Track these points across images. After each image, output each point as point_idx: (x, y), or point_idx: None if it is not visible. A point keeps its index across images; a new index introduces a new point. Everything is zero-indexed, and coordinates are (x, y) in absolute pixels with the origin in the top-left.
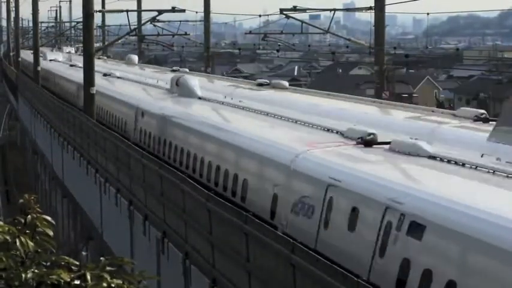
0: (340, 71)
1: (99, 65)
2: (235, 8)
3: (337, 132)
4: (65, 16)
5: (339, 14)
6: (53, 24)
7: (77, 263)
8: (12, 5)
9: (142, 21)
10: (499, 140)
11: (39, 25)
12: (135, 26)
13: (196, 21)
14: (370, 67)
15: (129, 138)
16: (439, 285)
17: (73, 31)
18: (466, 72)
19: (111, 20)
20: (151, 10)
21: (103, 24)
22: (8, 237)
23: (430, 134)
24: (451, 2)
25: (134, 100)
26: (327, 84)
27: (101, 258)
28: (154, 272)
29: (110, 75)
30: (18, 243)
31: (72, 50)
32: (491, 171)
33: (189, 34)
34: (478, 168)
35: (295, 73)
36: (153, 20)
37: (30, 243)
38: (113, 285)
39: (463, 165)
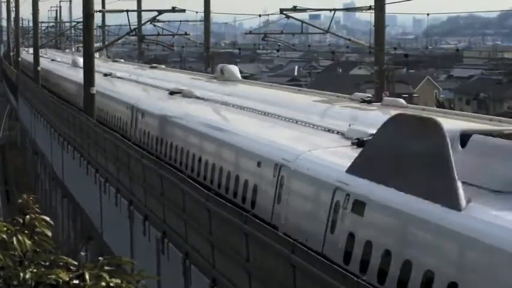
0: (340, 71)
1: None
2: (235, 8)
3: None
4: (65, 16)
5: (339, 14)
6: (53, 24)
7: (76, 262)
8: (12, 5)
9: (142, 21)
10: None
11: (39, 25)
12: (135, 26)
13: (196, 21)
14: (370, 67)
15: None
16: None
17: (73, 31)
18: (466, 72)
19: (111, 20)
20: (151, 10)
21: (103, 24)
22: (5, 236)
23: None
24: (451, 2)
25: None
26: (327, 84)
27: (100, 258)
28: (154, 272)
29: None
30: (15, 242)
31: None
32: None
33: (189, 34)
34: None
35: (295, 73)
36: (153, 20)
37: (28, 242)
38: (111, 284)
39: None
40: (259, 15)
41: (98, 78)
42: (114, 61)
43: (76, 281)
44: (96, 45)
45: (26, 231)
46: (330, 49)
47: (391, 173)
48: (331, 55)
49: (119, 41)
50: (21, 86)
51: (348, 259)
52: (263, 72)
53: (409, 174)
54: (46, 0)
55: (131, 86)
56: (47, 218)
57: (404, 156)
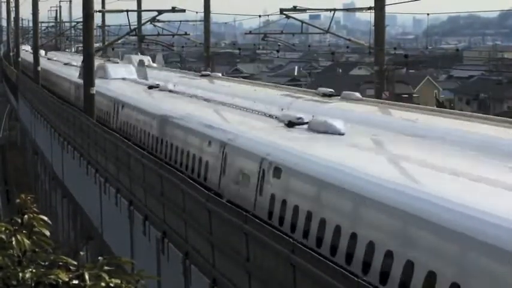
0: (340, 71)
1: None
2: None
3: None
4: (65, 16)
5: (339, 14)
6: (53, 24)
7: (75, 262)
8: (12, 5)
9: (142, 21)
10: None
11: (39, 25)
12: (135, 26)
13: (196, 21)
14: (370, 67)
15: None
16: None
17: (73, 31)
18: (466, 72)
19: (111, 20)
20: (151, 10)
21: (103, 24)
22: (3, 236)
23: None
24: (451, 2)
25: None
26: (326, 84)
27: (99, 257)
28: (155, 272)
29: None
30: (14, 242)
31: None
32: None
33: (189, 34)
34: None
35: (295, 73)
36: (153, 20)
37: (27, 241)
38: (111, 284)
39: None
40: (259, 15)
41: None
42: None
43: (76, 281)
44: (96, 45)
45: (24, 231)
46: (330, 49)
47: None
48: (331, 55)
49: (119, 41)
50: (21, 86)
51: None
52: (263, 72)
53: None
54: (46, 0)
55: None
56: (45, 218)
57: None
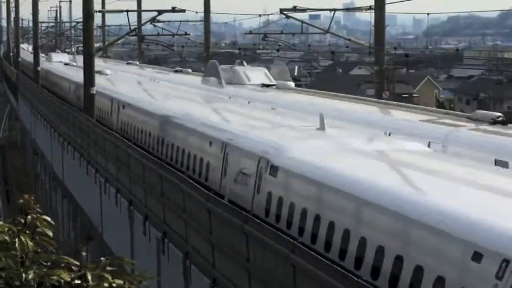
0: (340, 71)
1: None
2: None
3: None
4: (65, 16)
5: (339, 14)
6: (53, 24)
7: (78, 263)
8: (12, 5)
9: (142, 21)
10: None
11: (39, 25)
12: (135, 26)
13: (196, 21)
14: (370, 67)
15: None
16: None
17: (73, 31)
18: (466, 72)
19: (111, 20)
20: (151, 10)
21: (103, 24)
22: (6, 237)
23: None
24: (451, 2)
25: None
26: (327, 84)
27: (102, 258)
28: (155, 272)
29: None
30: (17, 243)
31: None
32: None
33: (189, 34)
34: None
35: (295, 73)
36: (153, 20)
37: (30, 243)
38: (114, 285)
39: None
40: (259, 15)
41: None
42: (128, 63)
43: (78, 282)
44: (96, 45)
45: (27, 232)
46: (330, 49)
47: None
48: (331, 55)
49: (119, 41)
50: (21, 86)
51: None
52: None
53: None
54: (46, 0)
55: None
56: (48, 218)
57: None
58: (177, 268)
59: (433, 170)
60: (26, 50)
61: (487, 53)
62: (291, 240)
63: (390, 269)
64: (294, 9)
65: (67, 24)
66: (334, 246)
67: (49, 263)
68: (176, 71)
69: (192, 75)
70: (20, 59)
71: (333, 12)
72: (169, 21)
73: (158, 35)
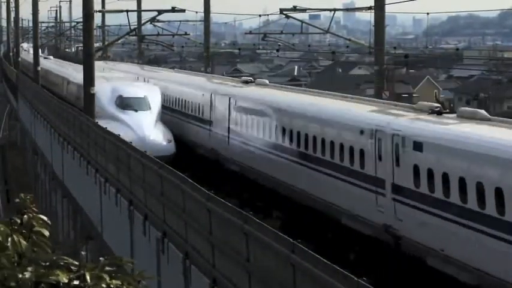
0: (340, 70)
1: None
2: (235, 8)
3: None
4: (65, 16)
5: (339, 14)
6: (53, 24)
7: (76, 263)
8: (12, 5)
9: (142, 21)
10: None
11: (39, 25)
12: (135, 26)
13: (196, 21)
14: (370, 67)
15: None
16: None
17: (73, 31)
18: (466, 72)
19: (111, 20)
20: (151, 10)
21: (103, 24)
22: (0, 238)
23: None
24: (451, 2)
25: None
26: (326, 84)
27: (100, 258)
28: (154, 272)
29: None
30: (10, 243)
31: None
32: None
33: (189, 34)
34: None
35: (295, 73)
36: (153, 20)
37: (23, 243)
38: (112, 286)
39: None
40: (259, 15)
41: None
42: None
43: (76, 282)
44: (96, 45)
45: (23, 231)
46: (330, 49)
47: None
48: (331, 55)
49: (119, 41)
50: (21, 86)
51: None
52: (263, 72)
53: None
54: (46, 0)
55: None
56: (45, 218)
57: None
58: (177, 268)
59: None
60: (27, 51)
61: (487, 53)
62: (291, 240)
63: None
64: (294, 9)
65: (67, 24)
66: None
67: (47, 263)
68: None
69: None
70: (20, 59)
71: (333, 12)
72: (169, 21)
73: (158, 35)
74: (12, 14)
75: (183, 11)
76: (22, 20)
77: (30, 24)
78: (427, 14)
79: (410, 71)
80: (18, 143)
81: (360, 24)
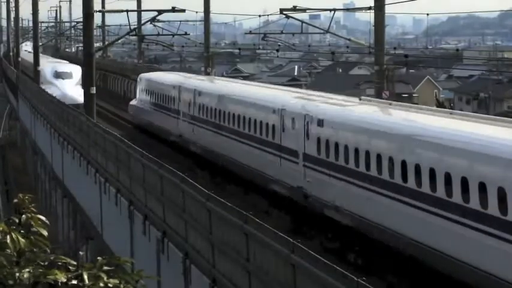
0: (340, 70)
1: None
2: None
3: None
4: (65, 16)
5: (339, 14)
6: (53, 24)
7: (75, 262)
8: (12, 5)
9: (142, 21)
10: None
11: (39, 25)
12: (135, 26)
13: (196, 21)
14: (370, 67)
15: None
16: None
17: (73, 31)
18: (466, 72)
19: (111, 20)
20: (151, 10)
21: (103, 24)
22: None
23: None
24: (451, 2)
25: None
26: (327, 84)
27: (98, 258)
28: (155, 272)
29: None
30: (9, 241)
31: None
32: None
33: (189, 34)
34: None
35: (295, 73)
36: (153, 20)
37: (22, 240)
38: (110, 285)
39: None
40: (259, 16)
41: None
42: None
43: (74, 281)
44: (96, 45)
45: (21, 231)
46: (330, 49)
47: None
48: (331, 55)
49: (119, 41)
50: (21, 86)
51: None
52: (263, 72)
53: None
54: (46, 0)
55: None
56: (43, 218)
57: None
58: (177, 268)
59: None
60: (27, 51)
61: (487, 53)
62: (291, 240)
63: None
64: (294, 9)
65: (67, 24)
66: None
67: (46, 263)
68: None
69: None
70: (20, 59)
71: (332, 12)
72: (169, 21)
73: (158, 34)
74: (12, 14)
75: (183, 11)
76: (22, 20)
77: (30, 24)
78: (427, 14)
79: (410, 71)
80: (18, 143)
81: (359, 24)
